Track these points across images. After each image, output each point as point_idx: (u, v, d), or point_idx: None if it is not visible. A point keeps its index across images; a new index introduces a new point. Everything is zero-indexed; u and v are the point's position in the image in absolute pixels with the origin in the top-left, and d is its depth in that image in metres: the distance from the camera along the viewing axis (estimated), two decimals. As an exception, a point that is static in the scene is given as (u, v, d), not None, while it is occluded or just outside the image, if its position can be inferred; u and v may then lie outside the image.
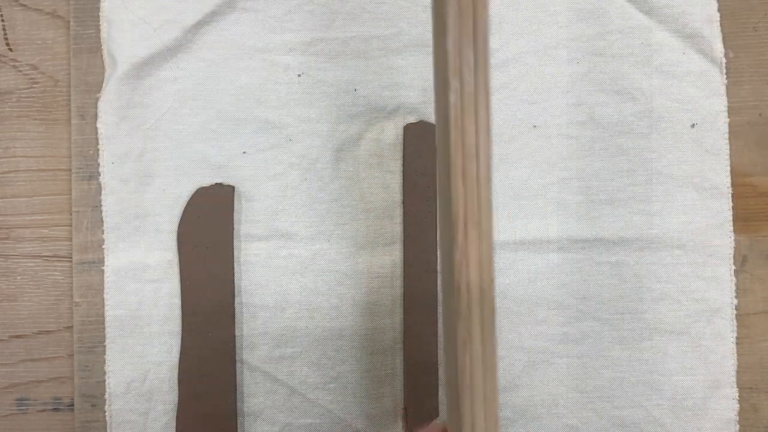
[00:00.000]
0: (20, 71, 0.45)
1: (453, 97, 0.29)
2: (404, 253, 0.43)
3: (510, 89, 0.44)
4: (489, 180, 0.29)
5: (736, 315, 0.43)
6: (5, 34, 0.45)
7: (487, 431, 0.29)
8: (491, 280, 0.29)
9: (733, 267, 0.43)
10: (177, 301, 0.43)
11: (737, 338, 0.43)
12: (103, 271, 0.43)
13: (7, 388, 0.44)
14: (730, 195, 0.44)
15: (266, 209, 0.44)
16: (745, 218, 0.44)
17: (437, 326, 0.42)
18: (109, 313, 0.43)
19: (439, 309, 0.41)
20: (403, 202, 0.43)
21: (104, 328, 0.43)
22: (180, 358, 0.42)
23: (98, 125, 0.44)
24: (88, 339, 0.43)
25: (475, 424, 0.29)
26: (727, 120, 0.44)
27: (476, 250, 0.29)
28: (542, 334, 0.43)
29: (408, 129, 0.43)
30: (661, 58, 0.44)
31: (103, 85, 0.44)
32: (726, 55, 0.44)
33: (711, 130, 0.44)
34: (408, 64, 0.44)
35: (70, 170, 0.44)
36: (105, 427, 0.43)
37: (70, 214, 0.44)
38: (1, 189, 0.45)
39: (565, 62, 0.44)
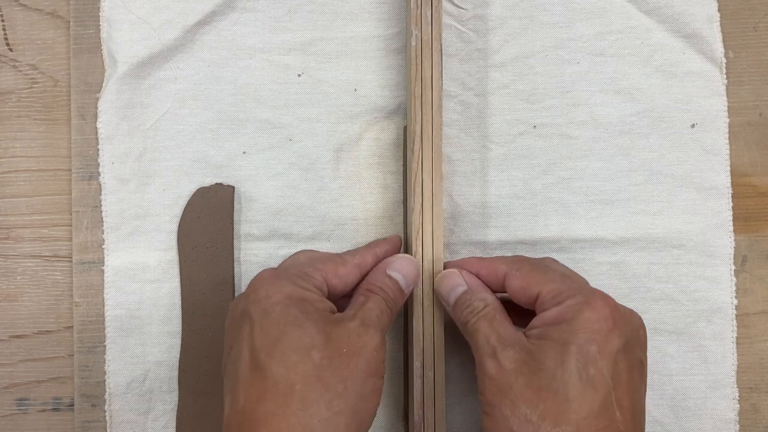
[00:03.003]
0: (20, 71, 0.45)
1: (414, 42, 0.39)
2: (404, 252, 0.43)
3: (510, 89, 0.44)
4: (440, 107, 0.39)
5: (736, 315, 0.43)
6: (5, 34, 0.45)
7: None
8: (441, 181, 0.38)
9: (733, 267, 0.43)
10: (177, 301, 0.43)
11: (737, 338, 0.43)
12: (103, 271, 0.43)
13: (7, 388, 0.44)
14: (730, 195, 0.44)
15: (266, 209, 0.44)
16: (745, 218, 0.44)
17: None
18: (109, 313, 0.43)
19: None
20: (404, 202, 0.43)
21: (104, 328, 0.43)
22: (180, 358, 0.42)
23: (98, 125, 0.44)
24: (88, 339, 0.43)
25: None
26: (727, 120, 0.44)
27: (429, 159, 0.38)
28: (542, 334, 0.43)
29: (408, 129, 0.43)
30: (661, 58, 0.44)
31: (103, 85, 0.44)
32: (726, 55, 0.44)
33: (711, 130, 0.44)
34: (408, 64, 0.44)
35: (70, 170, 0.44)
36: (105, 427, 0.43)
37: (70, 214, 0.44)
38: (1, 189, 0.45)
39: (565, 62, 0.44)
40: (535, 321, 0.34)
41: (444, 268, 0.38)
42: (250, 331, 0.33)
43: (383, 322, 0.35)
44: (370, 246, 0.39)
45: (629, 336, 0.33)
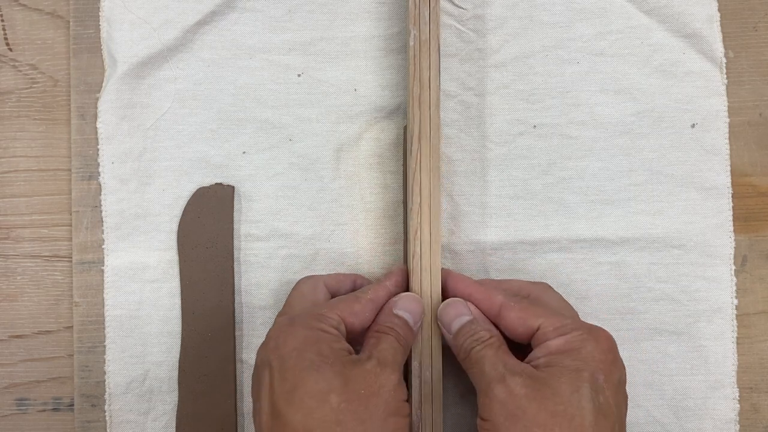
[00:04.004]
0: (20, 71, 0.45)
1: (412, 41, 0.39)
2: (404, 253, 0.43)
3: (510, 89, 0.44)
4: (438, 106, 0.39)
5: (736, 315, 0.43)
6: (5, 34, 0.45)
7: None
8: (438, 180, 0.38)
9: (733, 267, 0.43)
10: (177, 301, 0.43)
11: (737, 338, 0.43)
12: (103, 271, 0.43)
13: (7, 388, 0.44)
14: (730, 195, 0.44)
15: (266, 209, 0.44)
16: (745, 218, 0.44)
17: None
18: (109, 313, 0.43)
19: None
20: (404, 202, 0.43)
21: (104, 328, 0.43)
22: (180, 358, 0.42)
23: (98, 125, 0.44)
24: (88, 339, 0.43)
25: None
26: (727, 120, 0.44)
27: (427, 159, 0.38)
28: (542, 334, 0.43)
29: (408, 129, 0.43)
30: (661, 58, 0.44)
31: (103, 85, 0.44)
32: (726, 55, 0.44)
33: (711, 130, 0.44)
34: (408, 64, 0.44)
35: (70, 170, 0.44)
36: (105, 427, 0.43)
37: (70, 214, 0.44)
38: (1, 189, 0.45)
39: (565, 62, 0.44)
40: (537, 351, 0.35)
41: (441, 273, 0.39)
42: (270, 380, 0.33)
43: (398, 360, 0.35)
44: (379, 281, 0.39)
45: (622, 371, 0.35)
